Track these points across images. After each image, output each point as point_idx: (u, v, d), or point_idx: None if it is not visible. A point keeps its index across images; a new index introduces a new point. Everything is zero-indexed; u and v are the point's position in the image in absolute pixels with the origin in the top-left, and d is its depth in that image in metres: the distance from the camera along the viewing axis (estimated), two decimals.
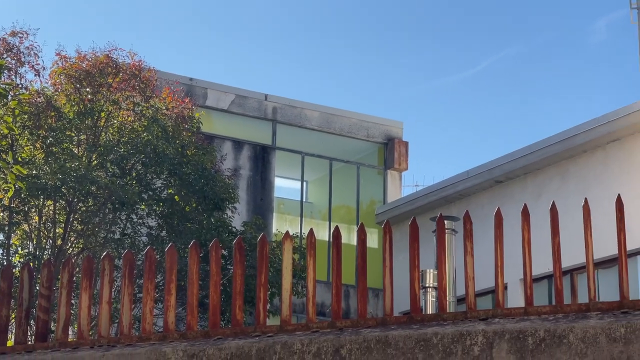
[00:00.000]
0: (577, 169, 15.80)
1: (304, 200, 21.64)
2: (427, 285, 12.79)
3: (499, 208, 5.45)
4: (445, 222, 11.13)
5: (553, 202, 5.34)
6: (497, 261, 5.30)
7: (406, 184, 23.77)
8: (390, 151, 20.98)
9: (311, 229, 5.77)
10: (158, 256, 12.84)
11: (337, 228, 5.66)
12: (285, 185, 22.06)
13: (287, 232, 5.80)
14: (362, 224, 5.66)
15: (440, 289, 5.48)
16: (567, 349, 4.72)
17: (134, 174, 15.02)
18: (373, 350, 5.09)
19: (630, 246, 12.08)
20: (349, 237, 19.40)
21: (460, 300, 13.03)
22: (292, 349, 5.24)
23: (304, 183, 21.82)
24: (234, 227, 15.36)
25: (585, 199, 5.30)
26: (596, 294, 5.06)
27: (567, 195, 15.02)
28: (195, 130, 15.95)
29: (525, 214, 5.34)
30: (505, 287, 15.22)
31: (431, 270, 13.56)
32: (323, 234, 20.46)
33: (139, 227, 15.16)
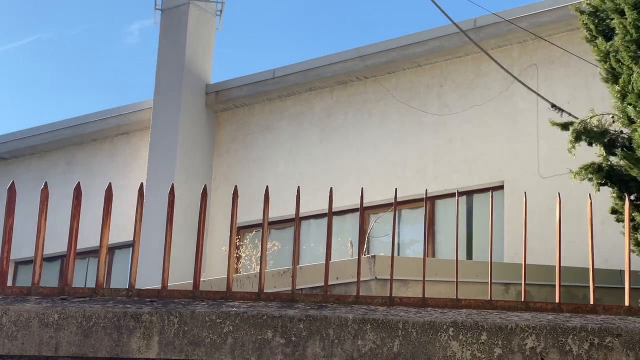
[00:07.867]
0: (84, 156, 15.88)
1: None
2: None
3: None
4: None
5: (12, 182, 5.23)
6: None
7: None
8: None
9: None
10: None
11: None
12: None
13: None
14: None
15: None
16: None
17: None
18: None
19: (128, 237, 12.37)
20: None
21: None
22: None
23: None
24: None
25: (45, 182, 5.26)
26: (40, 278, 5.04)
27: (71, 180, 15.02)
28: None
29: None
30: None
31: None
32: None
33: None
